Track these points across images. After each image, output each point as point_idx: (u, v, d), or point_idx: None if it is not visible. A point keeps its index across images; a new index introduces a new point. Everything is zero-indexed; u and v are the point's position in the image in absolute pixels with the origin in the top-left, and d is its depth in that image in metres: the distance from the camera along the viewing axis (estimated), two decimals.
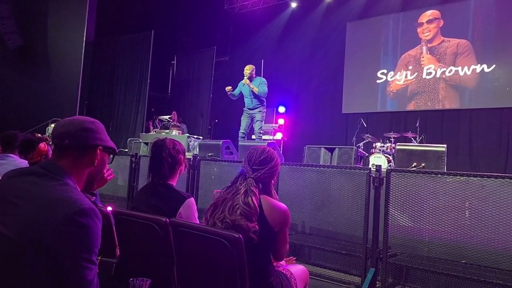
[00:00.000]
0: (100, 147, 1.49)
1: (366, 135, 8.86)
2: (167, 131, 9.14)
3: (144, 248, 2.12)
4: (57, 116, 9.02)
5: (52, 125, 8.19)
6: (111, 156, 1.59)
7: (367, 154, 8.06)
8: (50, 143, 7.27)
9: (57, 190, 1.31)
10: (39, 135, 3.40)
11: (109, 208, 2.57)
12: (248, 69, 7.19)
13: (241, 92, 7.38)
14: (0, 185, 1.41)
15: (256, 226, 1.88)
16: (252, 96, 7.18)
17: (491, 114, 9.03)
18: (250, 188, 1.96)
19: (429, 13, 10.07)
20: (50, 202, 1.27)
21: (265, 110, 7.46)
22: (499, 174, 3.28)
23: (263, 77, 7.60)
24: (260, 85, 7.15)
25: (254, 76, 7.30)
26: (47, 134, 7.76)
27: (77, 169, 1.44)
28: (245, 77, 7.13)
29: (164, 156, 2.28)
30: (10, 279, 1.23)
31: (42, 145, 2.99)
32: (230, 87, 7.34)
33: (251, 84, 7.11)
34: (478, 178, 3.37)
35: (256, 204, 1.91)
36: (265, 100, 7.36)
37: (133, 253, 2.18)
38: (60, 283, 1.22)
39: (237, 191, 1.99)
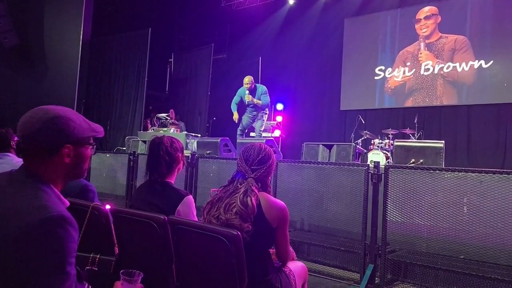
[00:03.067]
0: (68, 145, 1.29)
1: (364, 131, 8.87)
2: (165, 129, 9.13)
3: (142, 246, 2.11)
4: None
5: None
6: (92, 147, 1.39)
7: (365, 151, 8.07)
8: None
9: (24, 197, 1.19)
10: None
11: (108, 206, 2.57)
12: (248, 82, 7.12)
13: (240, 99, 7.34)
14: None
15: (250, 226, 1.88)
16: (253, 108, 7.21)
17: (489, 110, 9.04)
18: (250, 188, 1.96)
19: (427, 9, 10.06)
20: (15, 212, 1.15)
21: (268, 112, 7.48)
22: (497, 170, 3.29)
23: (261, 74, 7.59)
24: (262, 96, 7.15)
25: (254, 85, 7.25)
26: None
27: (48, 172, 1.28)
28: (247, 93, 7.07)
29: (162, 154, 2.27)
30: None
31: None
32: (237, 116, 7.38)
33: (254, 99, 7.09)
34: (476, 174, 3.38)
35: (254, 204, 1.92)
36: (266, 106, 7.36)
37: (132, 251, 2.18)
38: None
39: (235, 190, 1.99)
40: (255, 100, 7.09)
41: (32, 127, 1.26)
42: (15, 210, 1.16)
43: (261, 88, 7.27)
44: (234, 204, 1.93)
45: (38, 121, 1.27)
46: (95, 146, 1.41)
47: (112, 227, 2.15)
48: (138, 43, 12.00)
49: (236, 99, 7.40)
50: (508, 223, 3.19)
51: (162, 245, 1.98)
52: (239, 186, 2.00)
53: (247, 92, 7.09)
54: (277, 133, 11.49)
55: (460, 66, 9.45)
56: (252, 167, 2.04)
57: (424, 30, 10.07)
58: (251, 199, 1.92)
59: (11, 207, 1.17)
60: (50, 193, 1.25)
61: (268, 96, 7.23)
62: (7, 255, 1.11)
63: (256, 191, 1.97)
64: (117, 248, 2.25)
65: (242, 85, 7.41)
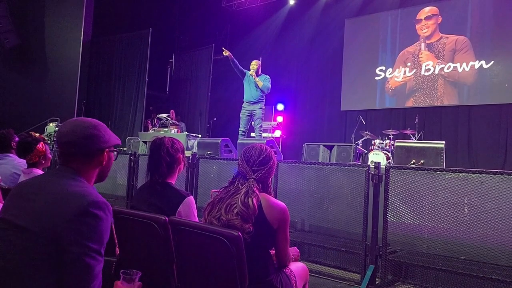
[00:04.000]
0: (106, 150, 1.53)
1: (365, 132, 8.87)
2: (166, 129, 9.13)
3: (143, 247, 2.12)
4: (55, 116, 9.02)
5: (51, 124, 8.19)
6: (116, 153, 1.62)
7: (366, 151, 8.07)
8: (49, 142, 7.25)
9: (71, 185, 1.38)
10: (37, 134, 3.36)
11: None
12: (255, 64, 7.24)
13: (244, 76, 7.34)
14: (20, 185, 1.50)
15: (251, 227, 1.89)
16: (256, 88, 7.18)
17: (490, 111, 9.03)
18: (252, 189, 1.96)
19: (428, 10, 10.06)
20: (63, 196, 1.33)
21: (264, 107, 7.46)
22: (498, 171, 3.28)
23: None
24: (264, 80, 7.20)
25: (260, 72, 7.34)
26: (46, 134, 7.75)
27: (87, 170, 1.50)
28: (252, 70, 7.15)
29: (163, 155, 2.27)
30: (20, 266, 1.27)
31: (39, 145, 2.97)
32: (226, 51, 7.20)
33: (256, 77, 7.13)
34: (477, 174, 3.38)
35: (256, 205, 1.92)
36: (265, 97, 7.36)
37: (133, 252, 2.18)
38: (68, 271, 1.26)
39: (236, 191, 1.99)
40: (257, 78, 7.12)
41: (79, 134, 1.46)
42: (65, 195, 1.33)
43: (266, 76, 7.34)
44: (235, 205, 1.93)
45: (85, 129, 1.48)
46: (117, 153, 1.64)
47: (113, 228, 2.16)
48: (138, 43, 12.02)
49: (239, 65, 7.36)
50: (509, 223, 3.18)
51: (163, 245, 1.98)
52: (240, 187, 2.01)
53: (252, 70, 7.16)
54: (277, 133, 11.49)
55: (460, 66, 9.45)
56: (253, 168, 2.04)
57: (424, 31, 10.07)
58: (252, 200, 1.93)
59: (62, 192, 1.34)
60: (90, 185, 1.48)
61: (270, 84, 7.25)
62: (56, 231, 1.26)
63: (257, 192, 1.97)
64: (118, 249, 2.26)
65: (242, 86, 7.43)
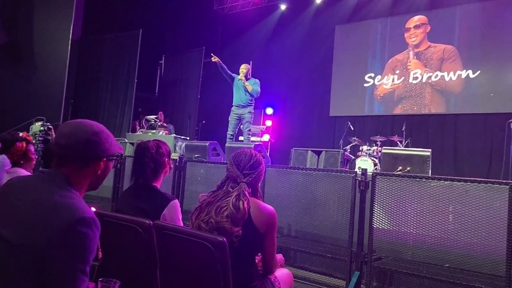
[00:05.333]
0: (104, 159, 1.45)
1: (353, 138, 8.92)
2: (154, 131, 9.08)
3: (127, 251, 2.09)
4: (41, 115, 8.88)
5: (37, 124, 8.06)
6: (115, 161, 1.54)
7: (353, 158, 8.11)
8: (34, 141, 7.13)
9: (59, 196, 1.29)
10: (26, 133, 3.28)
11: (92, 209, 2.54)
12: (244, 68, 7.23)
13: (233, 81, 7.34)
14: (7, 185, 1.41)
15: (240, 231, 1.88)
16: (245, 92, 7.18)
17: (476, 119, 9.15)
18: (243, 192, 1.97)
19: (416, 19, 10.18)
20: (51, 207, 1.25)
21: (253, 111, 7.46)
22: (482, 179, 3.32)
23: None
24: (254, 84, 7.20)
25: (249, 76, 7.34)
26: (31, 133, 7.63)
27: (80, 178, 1.41)
28: (241, 74, 7.14)
29: (147, 161, 2.24)
30: (1, 280, 1.21)
31: (18, 144, 2.88)
32: (215, 57, 7.20)
33: (246, 81, 7.13)
34: (462, 183, 3.41)
35: (246, 209, 1.92)
36: (254, 101, 7.37)
37: (116, 256, 2.15)
38: None
39: (227, 194, 1.99)
40: (246, 83, 7.11)
41: (80, 139, 1.39)
42: (52, 206, 1.25)
43: (255, 79, 7.34)
44: (225, 207, 1.93)
45: (85, 134, 1.40)
46: (116, 161, 1.55)
47: None
48: (128, 44, 11.93)
49: (228, 71, 7.36)
50: (492, 232, 3.22)
51: (146, 250, 1.96)
52: (231, 190, 2.01)
53: (241, 74, 7.15)
54: (266, 137, 11.49)
55: (448, 75, 9.57)
56: (244, 172, 2.05)
57: (413, 39, 10.18)
58: (243, 203, 1.93)
59: (49, 202, 1.26)
60: (79, 197, 1.37)
61: (259, 88, 7.25)
62: (41, 248, 1.19)
63: (248, 195, 1.98)
64: (100, 253, 2.23)
65: (232, 89, 7.42)
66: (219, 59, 7.20)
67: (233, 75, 7.37)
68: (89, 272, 1.25)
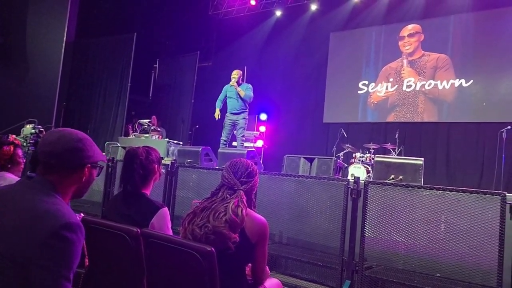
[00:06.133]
0: (88, 165, 1.48)
1: (346, 145, 8.93)
2: (147, 135, 9.02)
3: (114, 259, 2.05)
4: (33, 117, 8.79)
5: (28, 126, 7.98)
6: (99, 169, 1.57)
7: (346, 165, 8.11)
8: (25, 144, 7.04)
9: (44, 203, 1.30)
10: (14, 136, 3.21)
11: (81, 215, 2.50)
12: (236, 74, 7.27)
13: (225, 97, 7.37)
14: None
15: (237, 238, 1.87)
16: (238, 99, 7.18)
17: (468, 128, 9.20)
18: (241, 200, 1.97)
19: (410, 27, 10.25)
20: (36, 215, 1.26)
21: (247, 117, 7.45)
22: (474, 190, 3.33)
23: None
24: (246, 89, 7.20)
25: (241, 82, 7.36)
26: (22, 136, 7.55)
27: (65, 185, 1.42)
28: (233, 80, 7.16)
29: (135, 168, 2.21)
30: None
31: (5, 148, 2.82)
32: (218, 113, 7.42)
33: (238, 87, 7.13)
34: (454, 192, 3.41)
35: (244, 216, 1.91)
36: (248, 106, 7.36)
37: (103, 264, 2.11)
38: None
39: (224, 201, 1.98)
40: (238, 88, 7.11)
41: (63, 146, 1.41)
42: (38, 213, 1.26)
43: (247, 84, 7.36)
44: (224, 212, 1.91)
45: (70, 141, 1.43)
46: (100, 169, 1.58)
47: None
48: (123, 47, 11.88)
49: (221, 96, 7.45)
50: (483, 242, 3.21)
51: (133, 258, 1.93)
52: (228, 196, 1.99)
53: (233, 80, 7.17)
54: (259, 143, 11.48)
55: (441, 84, 9.63)
56: (241, 180, 2.05)
57: (407, 47, 10.24)
58: (242, 210, 1.92)
59: (35, 209, 1.27)
60: (64, 203, 1.39)
61: (252, 93, 7.27)
62: (26, 254, 1.19)
63: (245, 203, 1.98)
64: (87, 260, 2.19)
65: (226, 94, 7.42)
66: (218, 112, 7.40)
67: (224, 89, 7.41)
68: (72, 280, 1.25)
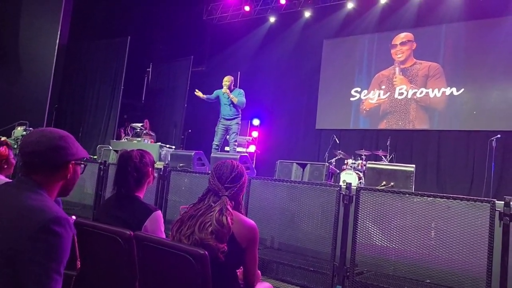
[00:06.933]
0: (72, 162, 1.49)
1: (338, 151, 8.97)
2: (139, 139, 9.00)
3: (106, 262, 2.05)
4: (24, 119, 8.75)
5: (19, 128, 7.93)
6: (83, 166, 1.57)
7: (338, 171, 8.15)
8: (15, 146, 6.99)
9: (31, 199, 1.32)
10: (3, 138, 3.19)
11: (73, 217, 2.49)
12: (227, 80, 7.23)
13: (218, 97, 7.36)
14: None
15: (225, 247, 1.85)
16: (231, 105, 7.19)
17: (459, 136, 9.30)
18: (225, 207, 1.93)
19: (403, 36, 10.36)
20: (22, 211, 1.28)
21: (240, 122, 7.47)
22: (465, 197, 3.36)
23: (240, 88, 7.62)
24: (238, 96, 7.20)
25: (233, 87, 7.34)
26: (13, 138, 7.49)
27: (50, 184, 1.44)
28: (225, 87, 7.15)
29: (130, 170, 2.21)
30: None
31: (2, 149, 2.83)
32: (199, 92, 7.32)
33: (231, 94, 7.13)
34: (444, 199, 3.44)
35: (230, 224, 1.88)
36: (241, 111, 7.38)
37: (95, 266, 2.10)
38: None
39: (209, 209, 1.95)
40: (231, 95, 7.11)
41: (45, 145, 1.42)
42: (26, 210, 1.28)
43: (239, 90, 7.35)
44: (209, 223, 1.89)
45: (52, 140, 1.44)
46: (84, 166, 1.59)
47: (75, 240, 2.08)
48: (116, 50, 11.86)
49: (212, 96, 7.41)
50: (473, 249, 3.25)
51: (126, 261, 1.93)
52: (213, 204, 1.96)
53: (224, 87, 7.16)
54: (252, 148, 11.50)
55: (432, 92, 9.73)
56: (226, 185, 2.02)
57: (399, 55, 10.35)
58: (226, 218, 1.89)
59: (23, 206, 1.29)
60: (51, 199, 1.42)
61: (244, 98, 7.27)
62: (17, 250, 1.21)
63: (230, 209, 1.94)
64: (79, 262, 2.17)
65: (219, 99, 7.41)
66: (202, 95, 7.32)
67: (216, 92, 7.39)
68: (63, 274, 1.27)
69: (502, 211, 3.03)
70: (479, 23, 9.36)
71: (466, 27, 9.49)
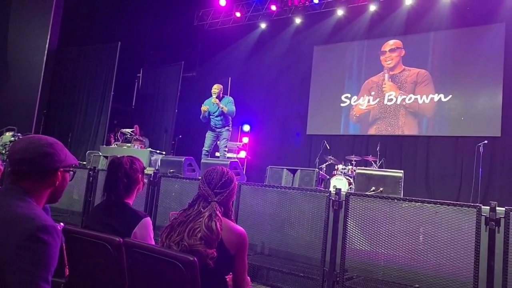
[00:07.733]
0: (61, 169, 1.48)
1: (329, 157, 9.02)
2: (129, 144, 8.95)
3: (95, 268, 2.04)
4: (12, 125, 8.66)
5: (7, 134, 7.85)
6: (72, 173, 1.56)
7: (328, 177, 8.19)
8: (3, 152, 6.91)
9: (19, 207, 1.31)
10: None
11: (61, 224, 2.47)
12: (216, 88, 7.19)
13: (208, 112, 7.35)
14: None
15: (215, 253, 1.86)
16: (221, 116, 7.19)
17: (447, 142, 9.41)
18: (214, 212, 1.94)
19: (392, 43, 10.48)
20: (11, 219, 1.27)
21: (231, 129, 7.47)
22: (451, 202, 3.41)
23: (230, 95, 7.63)
24: (228, 104, 7.19)
25: (221, 95, 7.32)
26: (1, 143, 7.42)
27: (38, 191, 1.43)
28: (214, 96, 7.12)
29: (120, 176, 2.21)
30: None
31: None
32: (207, 107, 7.23)
33: (220, 103, 7.10)
34: (432, 204, 3.49)
35: (219, 229, 1.90)
36: (231, 119, 7.38)
37: (83, 273, 2.10)
38: None
39: (199, 215, 1.96)
40: (221, 105, 7.09)
41: (33, 152, 1.41)
42: (13, 218, 1.27)
43: (228, 98, 7.33)
44: (198, 229, 1.89)
45: (40, 147, 1.43)
46: (74, 173, 1.57)
47: (64, 247, 2.07)
48: (106, 56, 11.81)
49: (205, 114, 7.34)
50: (461, 253, 3.29)
51: (115, 268, 1.92)
52: (202, 210, 1.97)
53: (213, 96, 7.12)
54: (242, 154, 11.51)
55: (421, 98, 9.85)
56: (215, 191, 2.03)
57: (388, 62, 10.46)
58: (215, 224, 1.90)
59: (10, 214, 1.28)
60: (39, 207, 1.40)
61: (234, 107, 7.25)
62: (5, 258, 1.20)
63: (220, 215, 1.95)
64: (67, 270, 2.16)
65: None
66: (204, 111, 7.18)
67: (206, 103, 7.30)
68: (51, 281, 1.26)
69: (488, 216, 3.08)
70: (466, 30, 9.52)
71: (454, 34, 9.64)
